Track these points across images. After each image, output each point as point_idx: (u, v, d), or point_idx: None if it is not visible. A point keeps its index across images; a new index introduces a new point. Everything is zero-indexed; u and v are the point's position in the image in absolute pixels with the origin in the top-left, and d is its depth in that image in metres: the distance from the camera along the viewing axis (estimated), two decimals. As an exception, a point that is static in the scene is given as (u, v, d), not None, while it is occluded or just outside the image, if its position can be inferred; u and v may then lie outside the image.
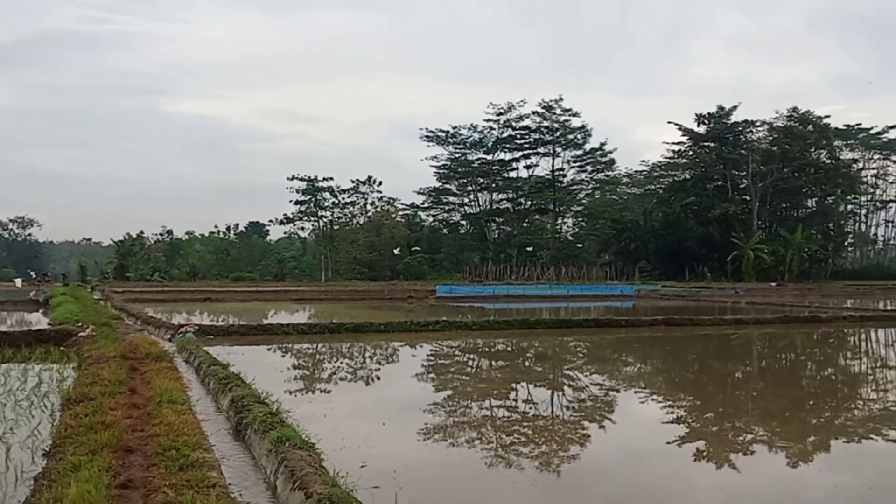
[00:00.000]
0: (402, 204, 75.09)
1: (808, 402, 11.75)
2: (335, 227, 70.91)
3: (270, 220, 75.89)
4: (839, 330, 22.16)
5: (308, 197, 68.39)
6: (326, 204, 69.94)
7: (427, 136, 71.61)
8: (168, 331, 17.32)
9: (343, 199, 70.38)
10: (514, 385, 12.59)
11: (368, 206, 72.02)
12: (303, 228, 73.72)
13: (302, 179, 67.40)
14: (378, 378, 13.40)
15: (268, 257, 75.48)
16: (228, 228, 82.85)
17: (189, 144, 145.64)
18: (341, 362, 15.55)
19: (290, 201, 68.47)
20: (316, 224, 71.39)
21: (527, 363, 16.03)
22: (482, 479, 6.72)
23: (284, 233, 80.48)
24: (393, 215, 71.51)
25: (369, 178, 70.88)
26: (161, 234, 77.12)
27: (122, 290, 38.47)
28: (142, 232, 73.50)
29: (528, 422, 9.38)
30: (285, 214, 70.24)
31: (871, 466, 7.49)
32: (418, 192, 74.12)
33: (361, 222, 70.58)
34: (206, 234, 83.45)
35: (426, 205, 75.40)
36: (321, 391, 11.55)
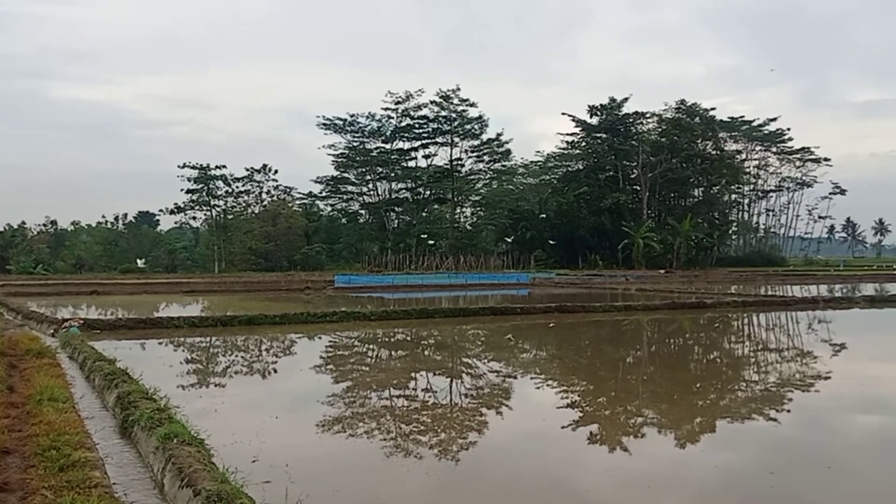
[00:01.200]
0: (299, 193, 73.98)
1: (695, 384, 12.27)
2: (229, 217, 69.16)
3: (161, 210, 73.21)
4: (723, 315, 23.19)
5: (200, 185, 66.38)
6: (220, 193, 68.04)
7: (324, 124, 70.72)
8: (51, 326, 16.58)
9: (237, 187, 68.65)
10: (413, 374, 12.65)
11: (264, 195, 70.61)
12: (195, 218, 71.41)
13: (194, 167, 65.35)
14: (275, 371, 13.23)
15: (158, 248, 73.03)
16: (117, 219, 79.70)
17: (76, 130, 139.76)
18: (236, 355, 15.25)
19: (182, 190, 66.26)
20: (209, 214, 69.43)
21: (426, 352, 16.13)
22: (379, 470, 6.74)
23: (175, 223, 77.74)
24: (290, 204, 70.37)
25: (265, 166, 69.52)
26: (45, 225, 73.59)
27: (2, 283, 36.55)
28: (23, 222, 70.04)
29: (428, 410, 9.45)
30: (176, 204, 67.95)
31: (753, 445, 7.89)
32: (316, 181, 73.15)
33: (257, 212, 69.10)
34: (94, 225, 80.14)
35: (324, 194, 74.48)
36: (214, 385, 11.31)
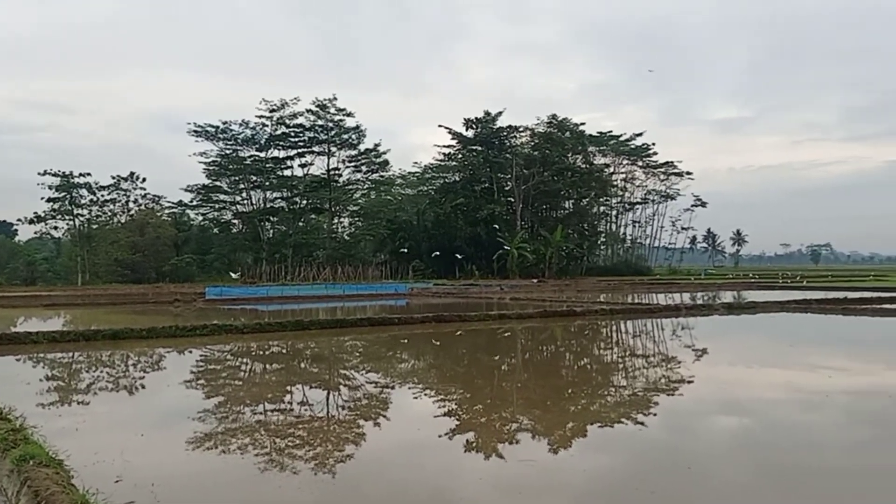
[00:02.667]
0: (168, 202, 71.49)
1: (568, 390, 12.60)
2: (94, 227, 65.96)
3: (19, 220, 69.18)
4: (593, 322, 23.96)
5: (63, 194, 62.97)
6: (83, 202, 64.74)
7: (195, 131, 68.58)
8: None
9: (102, 196, 65.55)
10: (289, 388, 12.44)
11: (131, 204, 67.78)
12: (56, 228, 67.76)
13: (55, 175, 61.96)
14: (142, 387, 12.70)
15: (16, 260, 68.83)
16: (-30, 228, 74.84)
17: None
18: (101, 371, 14.56)
19: (42, 198, 62.83)
20: (72, 223, 66.08)
21: (302, 365, 15.88)
22: (252, 486, 6.58)
23: (35, 233, 73.59)
24: (158, 214, 67.90)
25: (132, 174, 66.76)
26: None
27: None
28: None
29: (304, 424, 9.31)
30: (36, 213, 64.31)
31: (622, 449, 8.18)
32: (186, 190, 70.74)
33: (123, 221, 66.29)
34: (-55, 235, 74.81)
35: (195, 203, 72.14)
36: (77, 403, 10.76)
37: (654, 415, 9.94)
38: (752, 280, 59.48)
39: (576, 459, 7.72)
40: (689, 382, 12.77)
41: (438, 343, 19.22)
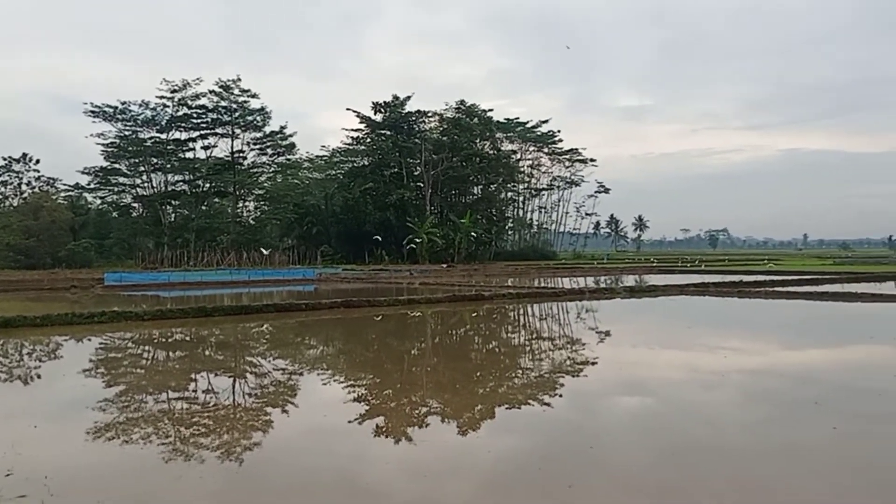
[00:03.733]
0: (64, 185, 68.70)
1: (476, 373, 12.74)
2: (-17, 211, 62.95)
3: None
4: (501, 306, 24.27)
5: (-52, 176, 59.91)
6: (-29, 184, 61.83)
7: (93, 112, 65.88)
8: None
9: (-8, 178, 62.69)
10: (193, 375, 12.16)
11: (24, 187, 64.97)
12: (-59, 212, 64.38)
13: (-62, 155, 58.85)
14: (38, 377, 12.19)
15: None
16: None
17: None
18: (-7, 361, 13.89)
19: (-75, 181, 59.54)
20: (-42, 207, 62.85)
21: (207, 352, 15.54)
22: (155, 476, 6.42)
23: (-82, 217, 69.68)
24: (54, 197, 65.10)
25: (24, 155, 63.94)
26: None
27: None
28: None
29: (210, 412, 9.12)
30: (-82, 196, 60.92)
31: (528, 429, 8.33)
32: (83, 172, 67.98)
33: (15, 205, 63.37)
34: None
35: (93, 186, 69.43)
36: (-33, 395, 10.24)
37: (560, 396, 10.15)
38: (653, 264, 61.34)
39: (483, 441, 7.81)
40: (594, 364, 13.09)
41: (347, 328, 19.12)
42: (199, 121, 67.91)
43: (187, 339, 17.34)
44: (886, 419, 8.43)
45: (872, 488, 6.06)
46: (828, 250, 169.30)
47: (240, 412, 9.32)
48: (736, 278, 34.65)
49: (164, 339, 17.03)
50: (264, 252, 60.83)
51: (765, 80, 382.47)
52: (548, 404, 9.60)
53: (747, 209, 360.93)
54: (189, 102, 66.66)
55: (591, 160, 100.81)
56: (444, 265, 59.31)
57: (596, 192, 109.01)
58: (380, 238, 66.62)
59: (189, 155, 69.84)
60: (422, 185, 74.71)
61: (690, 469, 6.62)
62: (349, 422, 8.48)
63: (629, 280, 38.10)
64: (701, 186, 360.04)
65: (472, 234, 70.36)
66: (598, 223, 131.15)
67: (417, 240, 65.76)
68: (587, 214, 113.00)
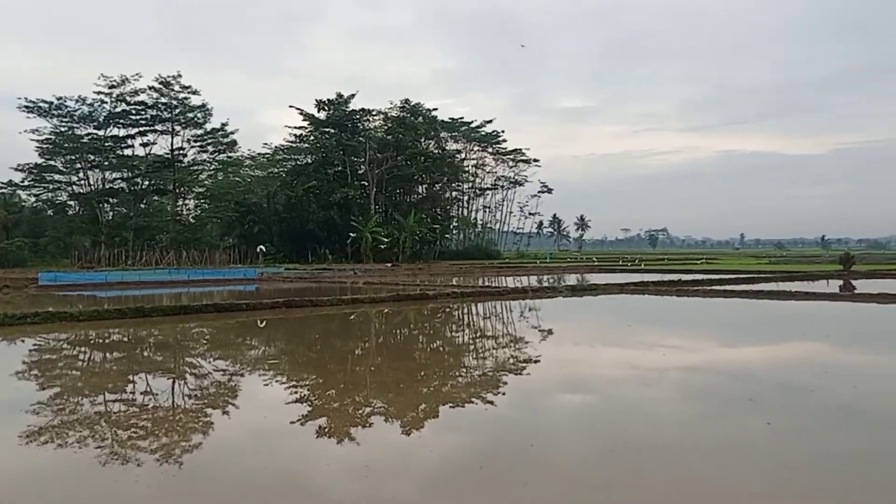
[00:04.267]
0: (-5, 181, 66.66)
1: (420, 372, 12.75)
2: None
3: None
4: (445, 305, 24.33)
5: None
6: None
7: (27, 107, 64.12)
8: None
9: (-81, 175, 60.44)
10: (132, 377, 11.93)
11: (-47, 184, 62.80)
12: None
13: None
14: (-32, 379, 11.81)
15: None
16: None
17: None
18: (-81, 364, 13.41)
19: None
20: None
21: (146, 353, 15.25)
22: (90, 480, 6.29)
23: None
24: (-16, 194, 63.16)
25: (-47, 151, 61.79)
26: None
27: None
28: None
29: (148, 414, 8.96)
30: None
31: (471, 428, 8.38)
32: (17, 169, 66.08)
33: (-58, 201, 61.32)
34: None
35: (27, 183, 67.50)
36: None
37: (503, 394, 10.23)
38: (595, 263, 62.15)
39: (426, 440, 7.83)
40: (536, 362, 13.22)
41: (289, 328, 18.95)
42: (138, 117, 66.62)
43: (125, 339, 16.99)
44: (818, 414, 8.70)
45: (805, 482, 6.26)
46: (763, 250, 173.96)
47: (179, 414, 9.18)
48: (675, 277, 35.32)
49: (100, 340, 16.65)
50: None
51: (705, 81, 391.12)
52: (491, 403, 9.66)
53: (686, 209, 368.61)
54: (128, 98, 65.36)
55: (535, 160, 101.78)
56: (389, 264, 59.19)
57: (539, 192, 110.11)
58: (321, 233, 66.22)
59: (128, 152, 68.51)
60: (366, 183, 74.45)
61: (629, 465, 6.73)
62: (292, 423, 8.42)
63: (571, 279, 38.55)
64: (641, 187, 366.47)
65: (417, 233, 70.35)
66: (541, 223, 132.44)
67: (361, 239, 65.48)
68: (530, 214, 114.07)
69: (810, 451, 7.15)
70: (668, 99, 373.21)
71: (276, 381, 11.69)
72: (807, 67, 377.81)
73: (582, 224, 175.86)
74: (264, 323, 19.54)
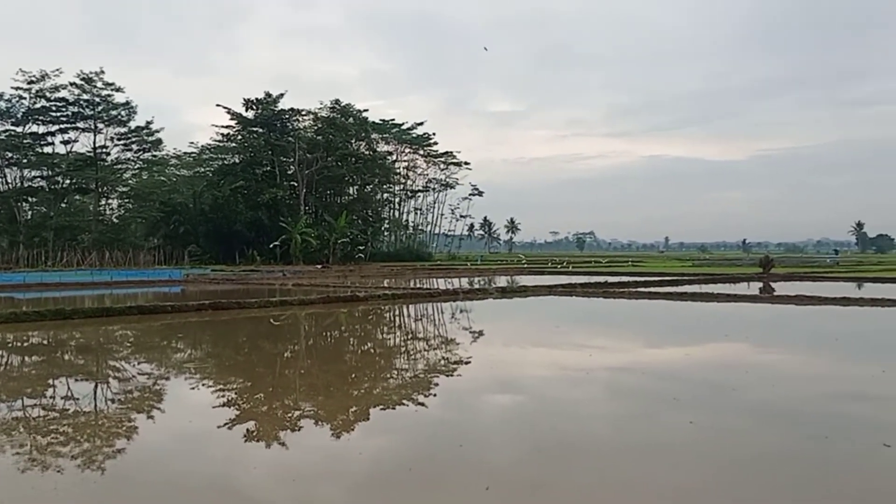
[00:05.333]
0: None
1: (351, 375, 12.69)
2: None
3: None
4: (376, 307, 24.27)
5: None
6: None
7: (-61, 101, 61.57)
8: None
9: None
10: (52, 381, 11.56)
11: None
12: None
13: None
14: None
15: None
16: None
17: None
18: None
19: None
20: None
21: (66, 356, 14.80)
22: (6, 490, 6.07)
23: None
24: None
25: None
26: None
27: None
28: None
29: (69, 419, 8.71)
30: None
31: (402, 430, 8.38)
32: (-75, 167, 63.37)
33: None
34: None
35: (-64, 181, 64.81)
36: None
37: (434, 395, 10.27)
38: (524, 266, 62.80)
39: (356, 443, 7.80)
40: (467, 363, 13.31)
41: (216, 331, 18.65)
42: (58, 114, 64.54)
43: (44, 342, 16.46)
44: (738, 412, 8.98)
45: (726, 479, 6.45)
46: (687, 252, 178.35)
47: (102, 419, 8.94)
48: (602, 279, 35.96)
49: (18, 344, 16.09)
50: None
51: (630, 88, 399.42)
52: (422, 404, 9.69)
53: (613, 213, 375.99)
54: (48, 95, 63.30)
55: (466, 163, 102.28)
56: (319, 266, 58.69)
57: (470, 194, 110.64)
58: (252, 237, 65.20)
59: (48, 150, 66.23)
60: (296, 184, 73.62)
61: (557, 464, 6.83)
62: (218, 427, 8.29)
63: (501, 281, 38.87)
64: (570, 191, 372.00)
65: (348, 234, 69.91)
66: (472, 225, 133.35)
67: (291, 240, 64.75)
68: (462, 216, 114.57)
69: (732, 448, 7.38)
70: (596, 105, 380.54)
71: (203, 385, 11.49)
72: (729, 76, 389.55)
73: (512, 227, 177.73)
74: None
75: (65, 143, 66.43)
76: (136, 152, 70.24)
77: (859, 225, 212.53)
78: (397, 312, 23.59)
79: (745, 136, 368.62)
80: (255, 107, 72.00)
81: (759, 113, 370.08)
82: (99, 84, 63.80)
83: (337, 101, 76.68)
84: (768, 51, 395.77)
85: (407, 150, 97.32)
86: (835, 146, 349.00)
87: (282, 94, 72.63)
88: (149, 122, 68.83)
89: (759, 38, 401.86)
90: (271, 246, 64.62)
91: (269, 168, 73.31)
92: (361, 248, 72.59)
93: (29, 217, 66.29)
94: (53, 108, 64.10)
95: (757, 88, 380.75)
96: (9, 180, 65.45)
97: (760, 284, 35.41)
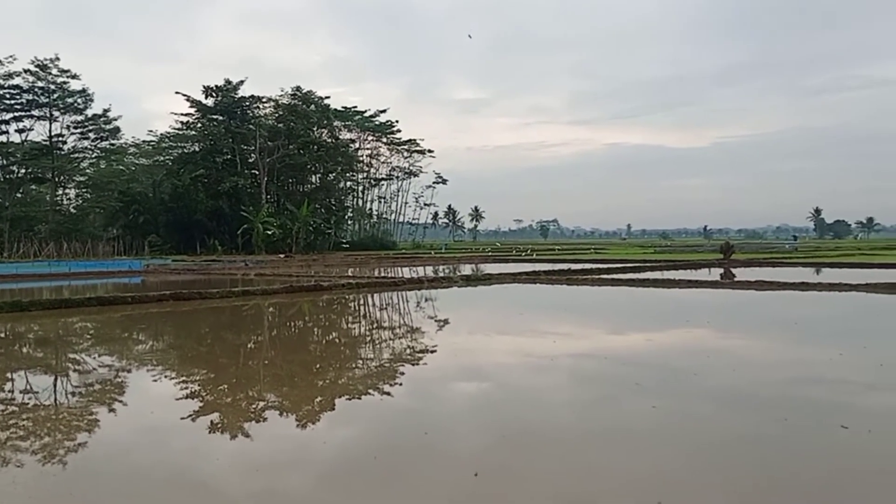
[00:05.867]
0: None
1: (316, 365, 12.65)
2: None
3: None
4: (341, 296, 24.18)
5: None
6: None
7: None
8: None
9: None
10: (10, 374, 11.35)
11: None
12: None
13: None
14: None
15: None
16: None
17: None
18: None
19: None
20: None
21: (24, 349, 14.54)
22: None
23: None
24: None
25: None
26: None
27: None
28: None
29: (28, 413, 8.56)
30: None
31: (368, 419, 8.38)
32: None
33: None
34: None
35: None
36: None
37: (400, 384, 10.27)
38: (488, 253, 63.00)
39: (321, 433, 7.79)
40: (432, 352, 13.32)
41: (177, 321, 18.44)
42: (12, 102, 63.24)
43: (1, 335, 16.15)
44: (700, 397, 9.12)
45: (690, 463, 6.55)
46: (649, 239, 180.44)
47: (62, 412, 8.81)
48: (565, 266, 36.20)
49: (-27, 337, 15.77)
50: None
51: (592, 76, 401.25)
52: (387, 393, 9.69)
53: (576, 201, 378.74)
54: (1, 82, 61.91)
55: (430, 151, 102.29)
56: (282, 255, 58.31)
57: (434, 182, 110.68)
58: (213, 226, 64.49)
59: (2, 138, 64.86)
60: (257, 172, 73.00)
61: (521, 451, 6.88)
62: (181, 419, 8.21)
63: (466, 269, 38.95)
64: (533, 178, 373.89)
65: (311, 223, 69.50)
66: (436, 213, 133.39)
67: (253, 229, 64.20)
68: (426, 205, 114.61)
69: (694, 432, 7.49)
70: (558, 92, 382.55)
71: (165, 377, 11.36)
72: (689, 63, 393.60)
73: (476, 215, 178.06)
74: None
75: (19, 131, 65.26)
76: (93, 141, 69.23)
77: (817, 211, 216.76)
78: (362, 301, 23.52)
79: (705, 123, 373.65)
80: (214, 94, 71.19)
81: (719, 100, 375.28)
82: (54, 71, 62.71)
83: (298, 89, 76.14)
84: (731, 37, 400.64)
85: (370, 138, 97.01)
86: (792, 133, 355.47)
87: (242, 82, 72.01)
88: (106, 110, 67.88)
89: (723, 24, 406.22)
90: (238, 232, 64.06)
91: (229, 156, 72.57)
92: (329, 234, 72.22)
93: (-17, 207, 65.02)
94: (7, 96, 62.83)
95: (718, 75, 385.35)
96: (-38, 170, 64.07)
97: (721, 270, 35.92)
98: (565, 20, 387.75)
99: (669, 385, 9.88)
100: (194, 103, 71.59)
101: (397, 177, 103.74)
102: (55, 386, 10.50)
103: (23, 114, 63.99)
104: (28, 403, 9.16)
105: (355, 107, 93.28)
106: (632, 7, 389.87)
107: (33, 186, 70.19)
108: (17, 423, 8.09)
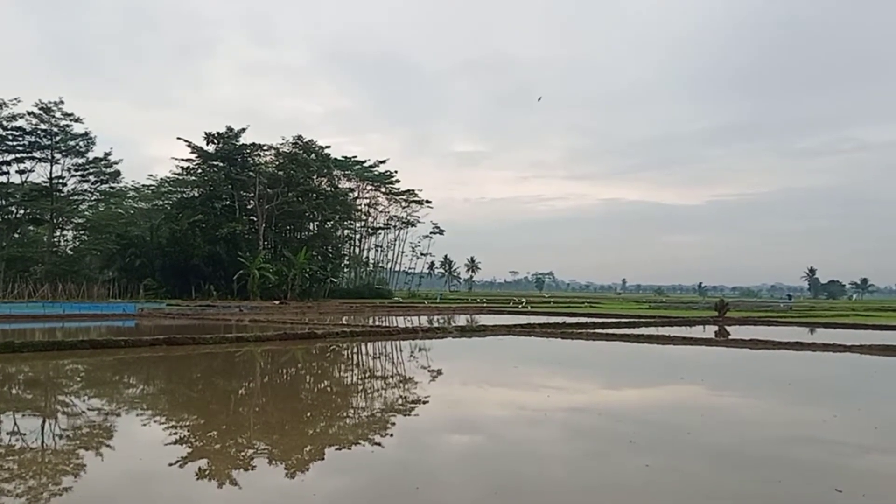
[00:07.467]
0: None
1: (307, 413, 12.53)
2: None
3: None
4: (334, 344, 24.07)
5: None
6: None
7: None
8: None
9: None
10: (-4, 416, 11.22)
11: None
12: None
13: None
14: None
15: None
16: None
17: None
18: None
19: None
20: None
21: (14, 391, 14.41)
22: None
23: None
24: None
25: None
26: None
27: None
28: None
29: (15, 455, 8.45)
30: None
31: (358, 470, 8.28)
32: None
33: None
34: None
35: None
36: None
37: (391, 435, 10.17)
38: (484, 305, 62.88)
39: (310, 483, 7.69)
40: (425, 402, 13.22)
41: (170, 366, 18.32)
42: (14, 143, 63.63)
43: (-9, 376, 16.01)
44: (694, 455, 9.04)
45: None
46: (644, 295, 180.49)
47: (49, 455, 8.70)
48: (560, 320, 36.14)
49: (-37, 377, 15.63)
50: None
51: (590, 133, 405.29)
52: (378, 444, 9.59)
53: (572, 254, 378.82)
54: (4, 123, 62.48)
55: (427, 201, 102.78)
56: (277, 302, 58.14)
57: (431, 232, 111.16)
58: (209, 271, 64.40)
59: (2, 179, 65.17)
60: (255, 219, 73.17)
61: (515, 502, 6.80)
62: (170, 465, 8.11)
63: (461, 319, 38.84)
64: (530, 231, 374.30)
65: (307, 270, 69.47)
66: (432, 263, 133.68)
67: (249, 275, 64.11)
68: (422, 254, 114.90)
69: (687, 491, 7.41)
70: (556, 148, 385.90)
71: (155, 422, 11.25)
72: (684, 122, 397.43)
73: (472, 266, 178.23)
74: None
75: (20, 172, 65.55)
76: (93, 184, 69.48)
77: (812, 271, 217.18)
78: (355, 350, 23.41)
79: (700, 181, 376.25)
80: (216, 140, 71.68)
81: (713, 159, 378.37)
82: (58, 114, 63.22)
83: (299, 137, 76.78)
84: (726, 99, 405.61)
85: (369, 188, 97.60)
86: (786, 193, 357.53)
87: (243, 129, 72.58)
88: (107, 154, 68.30)
89: (717, 87, 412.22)
90: (234, 277, 63.96)
91: (228, 202, 72.80)
92: (334, 280, 71.92)
93: (-21, 247, 64.93)
94: (10, 137, 63.22)
95: (712, 135, 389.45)
96: (-39, 210, 64.19)
97: (716, 328, 35.87)
98: (566, 80, 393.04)
99: (663, 442, 9.79)
100: (195, 149, 72.06)
101: (395, 226, 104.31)
102: (43, 428, 10.39)
103: (24, 155, 64.34)
104: (14, 445, 9.05)
105: (355, 156, 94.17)
106: (631, 70, 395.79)
107: (31, 227, 70.25)
108: (1, 466, 7.98)
